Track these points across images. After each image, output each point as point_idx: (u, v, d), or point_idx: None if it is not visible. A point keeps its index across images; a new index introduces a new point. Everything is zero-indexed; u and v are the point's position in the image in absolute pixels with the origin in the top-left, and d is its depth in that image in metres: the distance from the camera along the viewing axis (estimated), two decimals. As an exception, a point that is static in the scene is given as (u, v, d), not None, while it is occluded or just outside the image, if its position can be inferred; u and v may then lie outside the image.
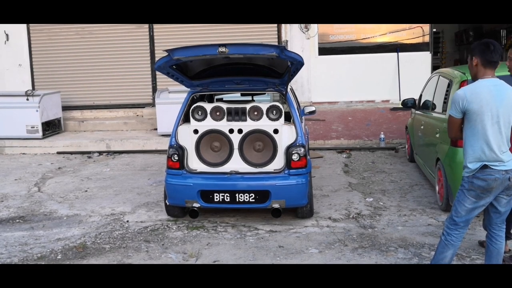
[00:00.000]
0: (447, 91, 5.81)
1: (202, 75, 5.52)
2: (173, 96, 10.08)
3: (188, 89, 5.72)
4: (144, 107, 11.43)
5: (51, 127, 10.51)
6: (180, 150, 5.17)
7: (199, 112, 5.24)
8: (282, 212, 5.06)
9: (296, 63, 4.81)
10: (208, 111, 5.22)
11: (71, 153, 9.58)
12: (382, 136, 9.15)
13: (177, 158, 5.15)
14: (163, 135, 9.91)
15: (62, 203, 6.28)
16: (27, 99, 10.25)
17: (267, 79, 5.46)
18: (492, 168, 3.43)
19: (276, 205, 4.98)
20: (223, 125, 5.20)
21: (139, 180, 7.30)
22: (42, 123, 10.10)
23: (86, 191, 6.83)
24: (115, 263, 4.37)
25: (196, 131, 5.21)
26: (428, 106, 6.65)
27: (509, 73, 4.22)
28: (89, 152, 9.49)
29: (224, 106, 5.22)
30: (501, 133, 3.44)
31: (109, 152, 9.52)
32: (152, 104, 11.50)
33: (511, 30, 18.05)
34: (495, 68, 3.53)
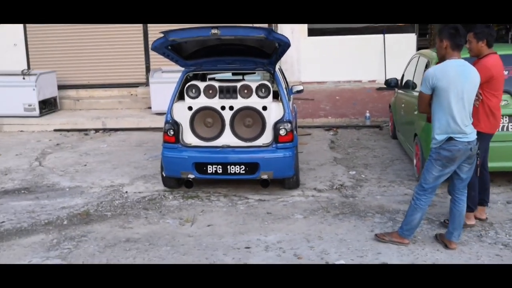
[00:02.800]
0: (425, 70, 6.20)
1: (196, 55, 5.86)
2: (166, 76, 10.39)
3: (182, 69, 6.06)
4: (137, 87, 11.72)
5: (47, 106, 10.80)
6: (175, 126, 5.54)
7: (193, 90, 5.60)
8: (270, 183, 5.49)
9: (283, 45, 5.17)
10: (202, 89, 5.58)
11: (68, 130, 9.88)
12: (368, 114, 9.56)
13: (172, 133, 5.52)
14: (157, 113, 10.24)
15: (63, 176, 6.65)
16: (23, 78, 10.51)
17: (257, 59, 5.83)
18: (456, 140, 3.86)
19: (264, 176, 5.39)
20: (216, 102, 5.57)
21: (136, 155, 7.67)
22: (39, 102, 10.37)
23: (85, 165, 7.19)
24: (117, 228, 4.76)
25: (190, 108, 5.58)
26: (409, 85, 7.04)
27: (468, 55, 4.58)
28: (85, 130, 9.81)
29: (217, 84, 5.59)
30: (464, 108, 3.86)
31: (105, 130, 9.84)
32: (146, 84, 11.79)
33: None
34: (461, 50, 3.93)
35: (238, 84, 5.56)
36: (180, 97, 5.76)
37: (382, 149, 7.67)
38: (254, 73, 6.67)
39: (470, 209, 4.43)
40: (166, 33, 4.99)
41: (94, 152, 8.01)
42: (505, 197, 5.28)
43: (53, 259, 4.08)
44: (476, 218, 4.61)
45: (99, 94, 11.80)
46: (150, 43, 11.63)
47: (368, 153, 7.49)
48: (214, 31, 4.83)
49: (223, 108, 5.55)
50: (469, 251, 4.04)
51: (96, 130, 9.80)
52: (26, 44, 12.00)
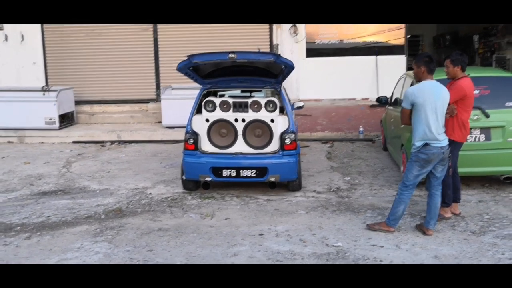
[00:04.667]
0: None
1: (211, 75, 6.78)
2: (176, 93, 11.34)
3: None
4: (148, 102, 12.64)
5: (65, 120, 11.67)
6: (194, 135, 6.43)
7: (210, 105, 6.50)
8: (277, 185, 6.38)
9: (289, 67, 6.11)
10: (217, 104, 6.48)
11: (86, 142, 10.74)
12: (361, 129, 10.50)
13: (192, 141, 6.41)
14: (167, 127, 11.16)
15: (91, 181, 7.50)
16: (44, 94, 11.40)
17: (265, 78, 6.76)
18: (432, 145, 4.78)
19: (272, 179, 6.28)
20: (230, 116, 6.46)
21: (153, 164, 8.53)
22: (59, 116, 11.26)
23: (108, 172, 8.05)
24: (148, 220, 5.61)
25: (207, 120, 6.47)
26: (397, 102, 7.97)
27: (446, 77, 5.52)
28: (102, 142, 10.67)
29: (231, 100, 6.49)
30: (437, 120, 4.79)
31: (120, 142, 10.71)
32: (156, 100, 12.72)
33: (483, 36, 19.56)
34: (433, 73, 4.88)
35: (249, 100, 6.46)
36: (198, 110, 6.66)
37: (374, 159, 8.57)
38: (261, 91, 7.61)
39: (446, 204, 5.33)
40: (190, 56, 5.92)
41: (115, 161, 8.86)
42: (478, 198, 6.19)
43: (101, 243, 4.92)
44: (451, 213, 5.51)
45: (112, 109, 12.69)
46: (160, 62, 12.74)
47: (361, 162, 8.39)
48: (231, 55, 5.76)
49: (236, 120, 6.44)
50: (443, 237, 4.92)
51: (112, 142, 10.66)
52: (45, 63, 12.92)
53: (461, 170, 5.75)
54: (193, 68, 6.36)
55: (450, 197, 5.43)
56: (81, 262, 4.46)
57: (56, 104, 11.18)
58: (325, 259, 4.44)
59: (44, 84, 12.60)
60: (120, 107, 12.71)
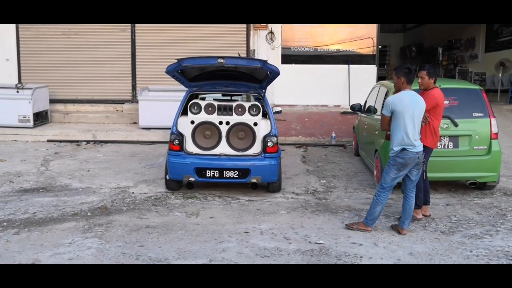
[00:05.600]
0: (385, 98, 7.54)
1: (197, 78, 6.98)
2: (153, 94, 11.46)
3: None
4: (124, 103, 12.68)
5: (39, 118, 11.59)
6: (180, 136, 6.61)
7: (195, 107, 6.69)
8: (258, 186, 6.62)
9: (274, 73, 6.39)
10: (203, 107, 6.68)
11: (60, 141, 10.71)
12: (334, 135, 10.89)
13: (177, 142, 6.59)
14: (144, 128, 11.26)
15: (72, 179, 7.55)
16: (17, 92, 11.31)
17: (249, 83, 7.01)
18: (408, 150, 5.14)
19: (254, 180, 6.53)
20: (214, 118, 6.67)
21: (132, 164, 8.64)
22: (33, 114, 11.18)
23: (88, 170, 8.11)
24: (134, 218, 5.75)
25: (192, 122, 6.65)
26: (371, 110, 8.37)
27: (418, 87, 5.93)
28: (77, 141, 10.67)
29: (216, 103, 6.71)
30: (414, 127, 5.16)
31: (95, 141, 10.73)
32: (132, 101, 12.78)
33: (447, 48, 20.45)
34: (412, 84, 5.25)
35: (234, 104, 6.70)
36: (184, 112, 6.84)
37: (347, 164, 8.95)
38: (241, 95, 7.86)
39: (417, 206, 5.71)
40: (180, 60, 6.11)
41: (93, 160, 8.92)
42: (445, 201, 6.62)
43: (91, 239, 5.04)
44: (422, 214, 5.89)
45: (86, 109, 12.67)
46: (137, 63, 12.81)
47: (335, 166, 8.75)
48: (220, 60, 5.99)
49: (220, 123, 6.65)
50: (416, 236, 5.29)
51: (88, 142, 10.67)
52: (18, 60, 12.78)
53: (430, 175, 6.17)
54: (181, 71, 6.54)
55: (421, 199, 5.81)
56: (75, 257, 4.58)
57: (31, 102, 11.10)
58: (309, 255, 4.72)
59: (16, 81, 12.46)
60: (94, 107, 12.71)
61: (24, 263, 4.42)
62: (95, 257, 4.60)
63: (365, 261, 4.61)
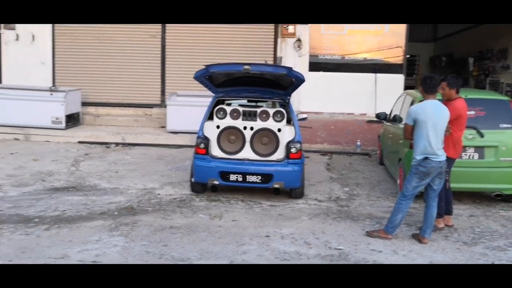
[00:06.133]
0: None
1: (224, 84, 7.14)
2: (181, 99, 11.70)
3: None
4: (152, 107, 12.97)
5: (71, 120, 11.94)
6: (206, 140, 6.77)
7: (221, 112, 6.84)
8: (281, 192, 6.72)
9: (299, 80, 6.49)
10: (228, 112, 6.83)
11: (91, 143, 11.02)
12: (359, 143, 10.89)
13: (203, 146, 6.75)
14: (171, 132, 11.48)
15: (101, 180, 7.79)
16: (51, 94, 11.72)
17: (274, 90, 7.12)
18: (431, 159, 5.15)
19: (276, 186, 6.62)
20: (239, 123, 6.80)
21: (159, 166, 8.84)
22: (65, 116, 11.54)
23: (116, 172, 8.34)
24: (159, 219, 5.91)
25: (218, 127, 6.80)
26: (396, 119, 8.37)
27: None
28: (106, 143, 10.95)
29: (241, 109, 6.85)
30: (437, 136, 5.17)
31: (124, 144, 11.01)
32: (160, 105, 13.06)
33: (478, 59, 20.14)
34: (435, 93, 5.27)
35: (258, 110, 6.82)
36: (210, 117, 6.99)
37: (370, 172, 8.95)
38: (266, 101, 7.97)
39: (439, 216, 5.70)
40: (208, 66, 6.28)
41: (121, 162, 9.16)
42: (469, 212, 6.57)
43: (117, 237, 5.22)
44: (445, 224, 5.87)
45: (116, 112, 13.00)
46: (167, 69, 13.09)
47: (358, 175, 8.76)
48: (246, 67, 6.13)
49: (245, 128, 6.78)
50: (437, 245, 5.28)
51: (117, 144, 10.95)
52: (53, 63, 13.23)
53: (454, 185, 6.15)
54: (208, 77, 6.70)
55: (443, 209, 5.80)
56: (101, 253, 4.75)
57: (63, 105, 11.46)
58: (328, 260, 4.78)
59: (51, 84, 12.90)
60: (124, 110, 13.02)
61: (53, 257, 4.62)
62: (120, 254, 4.77)
63: (384, 268, 4.64)
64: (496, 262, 4.83)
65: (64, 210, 6.12)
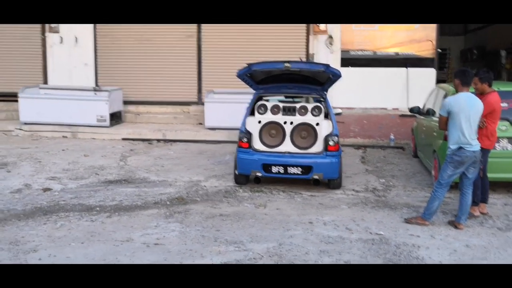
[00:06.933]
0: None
1: (264, 81, 7.55)
2: (217, 96, 12.18)
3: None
4: (190, 105, 13.49)
5: (114, 118, 12.55)
6: (248, 135, 7.20)
7: (262, 108, 7.26)
8: (320, 183, 7.10)
9: (336, 76, 6.84)
10: (269, 108, 7.23)
11: (134, 139, 11.60)
12: (392, 137, 11.15)
13: (246, 140, 7.18)
14: (209, 128, 11.97)
15: (149, 173, 8.31)
16: (95, 94, 12.38)
17: (311, 86, 7.50)
18: (465, 149, 5.46)
19: (316, 177, 7.01)
20: (279, 118, 7.20)
21: (201, 161, 9.32)
22: (109, 114, 12.16)
23: (162, 166, 8.86)
24: (209, 207, 6.37)
25: (259, 122, 7.22)
26: (429, 113, 8.61)
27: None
28: (149, 140, 11.51)
29: (281, 104, 7.25)
30: (471, 127, 5.47)
31: (165, 140, 11.55)
32: (197, 103, 13.56)
33: (511, 51, 19.99)
34: (469, 86, 5.57)
35: (297, 105, 7.21)
36: (251, 113, 7.42)
37: (405, 165, 9.22)
38: (303, 97, 8.35)
39: (474, 203, 5.99)
40: (250, 64, 6.70)
41: (165, 157, 9.69)
42: (503, 201, 6.82)
43: (173, 223, 5.71)
44: (480, 212, 6.15)
45: (156, 110, 13.55)
46: (203, 67, 13.58)
47: (393, 167, 9.05)
48: (286, 64, 6.53)
49: (285, 122, 7.18)
50: (473, 231, 5.58)
51: (158, 140, 11.50)
52: (96, 64, 13.88)
53: (490, 175, 6.40)
54: (249, 74, 7.13)
55: (479, 197, 6.08)
56: (161, 237, 5.24)
57: (108, 103, 12.08)
58: (370, 243, 5.15)
59: (93, 84, 13.56)
60: (163, 108, 13.57)
61: (120, 240, 5.13)
62: (178, 238, 5.24)
63: (422, 251, 4.98)
64: (530, 246, 5.11)
65: (121, 200, 6.65)
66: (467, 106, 5.46)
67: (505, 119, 6.74)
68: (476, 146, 5.49)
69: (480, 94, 6.07)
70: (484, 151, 5.96)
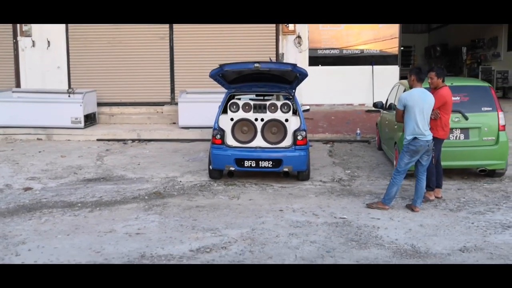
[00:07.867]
0: (402, 96, 8.36)
1: (235, 80, 7.98)
2: (190, 96, 12.55)
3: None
4: (163, 105, 13.80)
5: (89, 120, 12.78)
6: (221, 132, 7.61)
7: (234, 106, 7.68)
8: (289, 175, 7.58)
9: (303, 75, 7.33)
10: (241, 106, 7.66)
11: (109, 140, 11.86)
12: (358, 131, 11.73)
13: (219, 137, 7.59)
14: (183, 128, 12.32)
15: (126, 171, 8.64)
16: (69, 96, 12.58)
17: (280, 84, 7.97)
18: (419, 139, 6.01)
19: (286, 169, 7.48)
20: (251, 115, 7.64)
21: (176, 158, 9.69)
22: (84, 116, 12.38)
23: (138, 164, 9.19)
24: (185, 200, 6.76)
25: (232, 119, 7.64)
26: (391, 107, 9.20)
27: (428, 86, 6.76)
28: (123, 140, 11.80)
29: (252, 102, 7.69)
30: (424, 119, 6.02)
31: (140, 140, 11.85)
32: (170, 103, 13.89)
33: (471, 48, 20.94)
34: (423, 82, 6.12)
35: (267, 103, 7.66)
36: (224, 111, 7.83)
37: (370, 157, 9.79)
38: (273, 95, 8.82)
39: (430, 188, 6.56)
40: (222, 65, 7.12)
41: (141, 155, 10.01)
42: (457, 186, 7.43)
43: (153, 215, 6.08)
44: (435, 196, 6.73)
45: (129, 111, 13.82)
46: (175, 68, 13.91)
47: (359, 159, 9.60)
48: (256, 64, 6.97)
49: (256, 119, 7.62)
50: (427, 213, 6.14)
51: (133, 140, 11.79)
52: (68, 67, 14.06)
53: (444, 163, 6.99)
54: (221, 74, 7.55)
55: (434, 183, 6.66)
56: (142, 227, 5.61)
57: (82, 105, 12.30)
58: (334, 226, 5.64)
59: (66, 87, 13.72)
60: (137, 109, 13.85)
61: (103, 231, 5.48)
62: (158, 227, 5.63)
63: (381, 231, 5.50)
64: (475, 223, 5.69)
65: (101, 196, 6.98)
66: (421, 100, 6.02)
67: (458, 111, 7.34)
68: (429, 136, 6.05)
69: (434, 89, 6.65)
70: (438, 141, 6.54)
